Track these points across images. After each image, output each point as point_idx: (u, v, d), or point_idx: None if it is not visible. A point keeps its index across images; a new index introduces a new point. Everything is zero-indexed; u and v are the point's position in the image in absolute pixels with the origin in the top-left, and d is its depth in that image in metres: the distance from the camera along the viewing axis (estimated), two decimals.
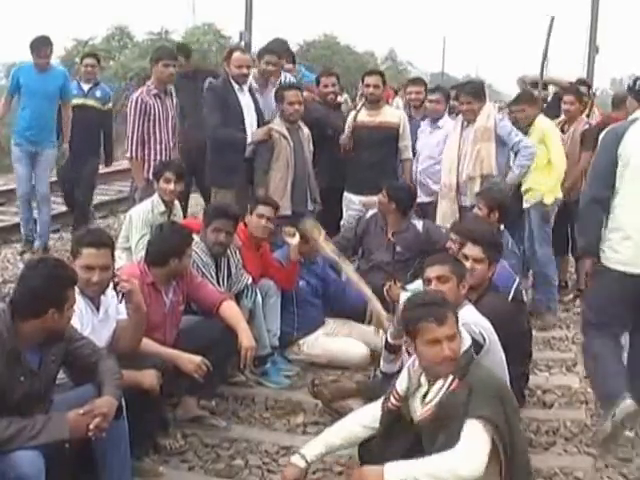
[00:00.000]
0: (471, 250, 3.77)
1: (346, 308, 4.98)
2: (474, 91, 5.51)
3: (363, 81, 5.76)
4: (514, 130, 5.42)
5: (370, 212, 5.42)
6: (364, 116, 5.71)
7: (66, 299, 2.75)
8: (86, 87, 7.43)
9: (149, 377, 3.25)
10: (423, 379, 2.82)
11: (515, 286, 4.13)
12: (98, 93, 7.50)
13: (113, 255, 3.36)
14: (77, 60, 7.64)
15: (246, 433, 3.88)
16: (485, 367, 2.83)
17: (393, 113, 5.82)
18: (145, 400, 3.24)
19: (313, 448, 2.94)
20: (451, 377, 2.71)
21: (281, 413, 4.14)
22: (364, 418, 2.98)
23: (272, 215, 4.68)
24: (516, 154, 5.43)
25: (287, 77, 6.18)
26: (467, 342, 2.81)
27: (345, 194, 5.81)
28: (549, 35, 6.26)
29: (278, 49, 6.03)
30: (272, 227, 4.71)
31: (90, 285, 3.21)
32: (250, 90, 5.58)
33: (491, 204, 4.83)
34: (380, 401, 2.97)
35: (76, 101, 7.20)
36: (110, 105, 7.68)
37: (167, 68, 5.46)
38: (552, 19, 6.20)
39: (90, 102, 7.41)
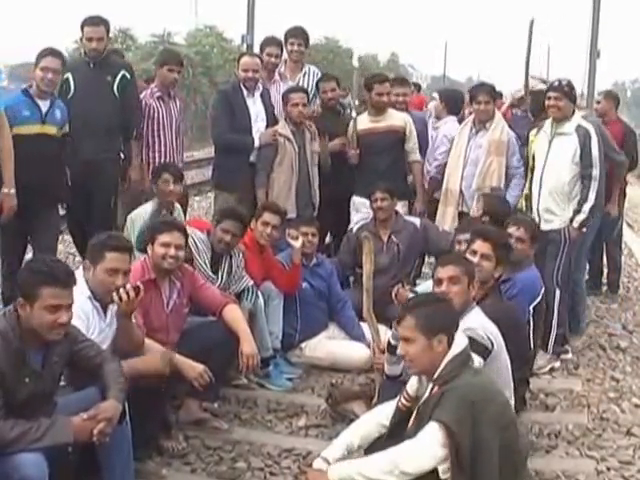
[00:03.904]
0: (480, 246, 3.82)
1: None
2: (491, 92, 5.49)
3: (370, 88, 5.58)
4: (519, 154, 5.41)
5: (355, 226, 5.41)
6: (368, 122, 5.62)
7: None
8: (44, 106, 4.76)
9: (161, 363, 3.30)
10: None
11: (542, 291, 4.24)
12: (58, 114, 4.86)
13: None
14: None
15: (248, 435, 3.88)
16: (475, 375, 2.75)
17: (398, 116, 5.72)
18: (148, 402, 3.25)
19: (334, 450, 2.92)
20: (431, 385, 2.75)
21: (283, 415, 4.15)
22: (380, 416, 2.98)
23: (278, 223, 4.68)
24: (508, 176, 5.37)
25: (311, 69, 6.12)
26: (458, 348, 2.76)
27: (354, 198, 5.70)
28: (530, 39, 5.92)
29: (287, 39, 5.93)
30: (277, 235, 4.71)
31: (113, 290, 3.24)
32: (262, 95, 5.54)
33: (487, 209, 4.84)
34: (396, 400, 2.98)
35: (30, 129, 4.68)
36: (67, 128, 4.97)
37: (171, 73, 5.43)
38: (532, 22, 5.94)
39: (49, 129, 4.79)
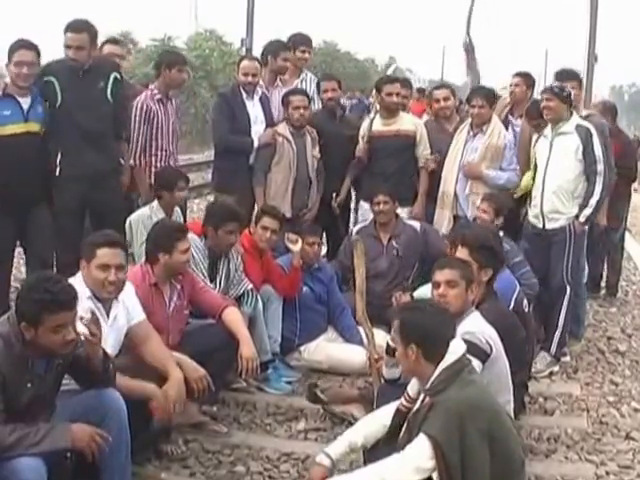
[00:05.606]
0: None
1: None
2: (487, 96, 5.45)
3: (380, 90, 5.55)
4: (514, 158, 5.42)
5: (354, 229, 5.40)
6: (379, 125, 5.57)
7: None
8: (25, 103, 4.51)
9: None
10: None
11: (515, 296, 4.14)
12: (39, 109, 4.59)
13: (127, 258, 3.41)
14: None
15: (247, 439, 3.88)
16: (467, 385, 2.70)
17: (410, 120, 5.67)
18: (147, 405, 3.25)
19: (337, 447, 2.94)
20: (422, 395, 2.74)
21: (282, 419, 4.14)
22: (384, 417, 2.98)
23: (277, 228, 4.68)
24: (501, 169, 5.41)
25: (308, 75, 6.10)
26: (452, 357, 2.73)
27: (361, 203, 5.67)
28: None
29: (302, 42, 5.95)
30: (276, 239, 4.71)
31: (106, 285, 3.25)
32: (261, 99, 5.55)
33: (498, 207, 4.88)
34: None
35: (13, 129, 4.46)
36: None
37: (181, 73, 5.41)
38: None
39: (33, 127, 4.56)
